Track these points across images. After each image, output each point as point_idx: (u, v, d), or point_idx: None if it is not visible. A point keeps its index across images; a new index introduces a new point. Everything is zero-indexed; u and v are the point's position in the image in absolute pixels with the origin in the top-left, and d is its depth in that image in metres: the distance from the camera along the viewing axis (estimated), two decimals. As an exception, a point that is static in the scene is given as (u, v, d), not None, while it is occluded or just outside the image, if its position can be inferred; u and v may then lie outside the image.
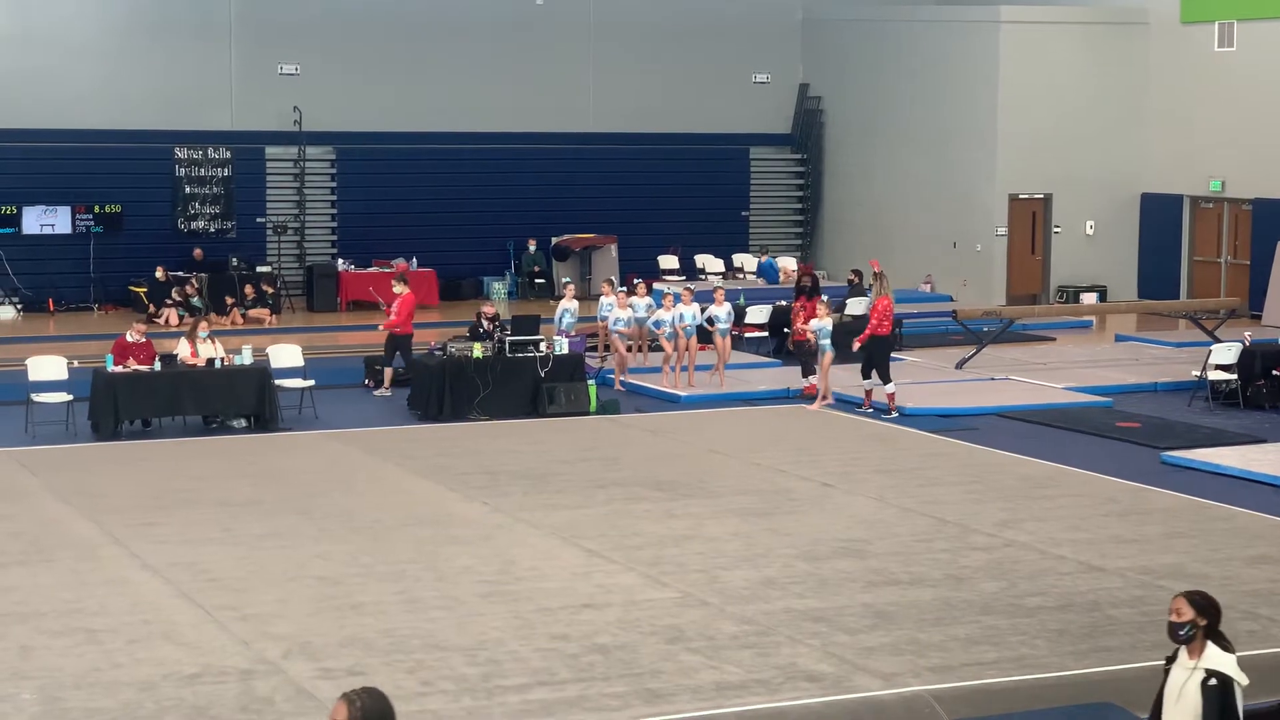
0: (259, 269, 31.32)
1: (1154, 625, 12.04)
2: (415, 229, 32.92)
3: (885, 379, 21.27)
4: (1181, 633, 7.76)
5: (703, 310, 23.04)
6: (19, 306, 30.34)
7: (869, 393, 21.60)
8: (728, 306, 22.94)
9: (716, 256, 34.63)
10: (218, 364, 20.31)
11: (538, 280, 33.29)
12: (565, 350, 21.74)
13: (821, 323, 21.33)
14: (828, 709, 10.36)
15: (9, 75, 30.76)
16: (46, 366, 20.81)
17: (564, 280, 27.84)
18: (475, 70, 33.84)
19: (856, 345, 21.62)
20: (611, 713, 10.21)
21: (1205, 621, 7.81)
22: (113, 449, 19.00)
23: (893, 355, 23.45)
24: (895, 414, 21.10)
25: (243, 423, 20.31)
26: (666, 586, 12.97)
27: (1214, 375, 22.25)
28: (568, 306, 23.65)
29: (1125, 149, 32.93)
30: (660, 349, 23.23)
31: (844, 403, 21.84)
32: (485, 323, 22.30)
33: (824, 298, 22.39)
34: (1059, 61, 32.48)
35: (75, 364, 21.17)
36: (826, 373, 21.44)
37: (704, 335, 23.38)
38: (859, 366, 21.68)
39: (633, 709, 10.26)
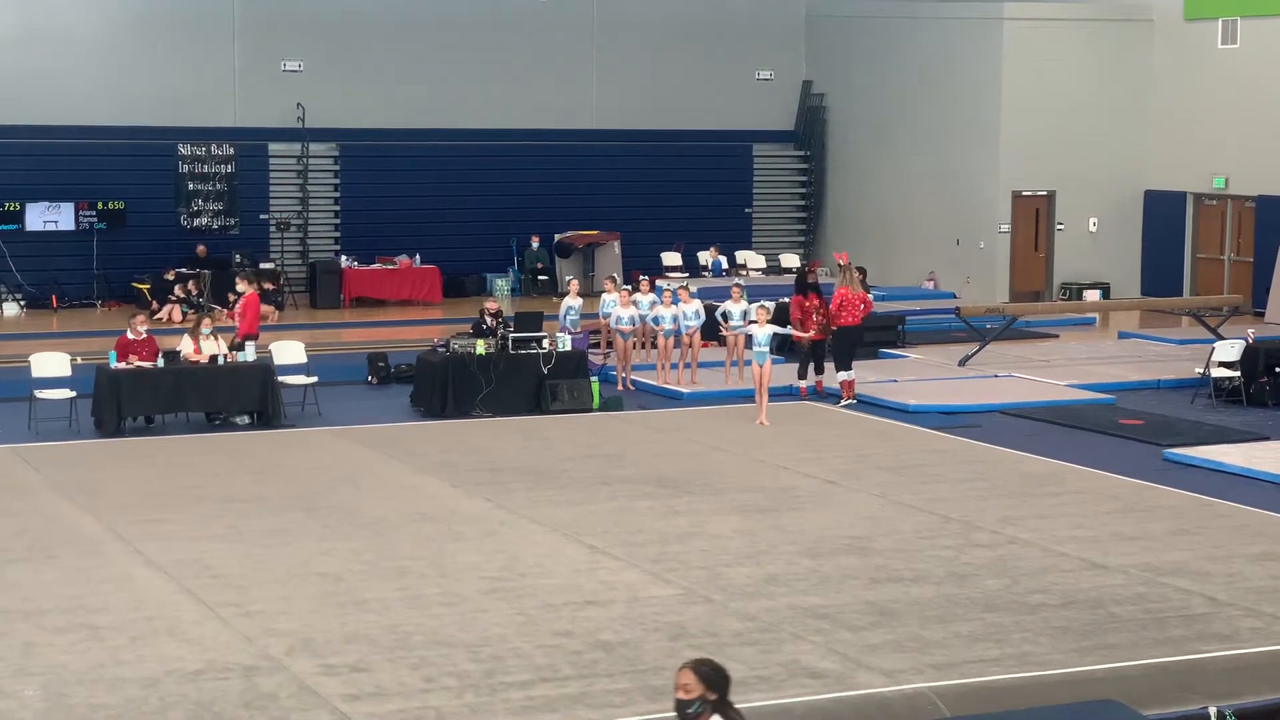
0: (262, 265, 31.34)
1: (1157, 623, 12.06)
2: (418, 226, 32.96)
3: (840, 367, 21.73)
4: (690, 711, 6.88)
5: (713, 308, 23.06)
6: (22, 303, 30.38)
7: (847, 384, 21.80)
8: (744, 304, 22.78)
9: (720, 253, 34.59)
10: (221, 360, 20.33)
11: (540, 277, 33.31)
12: (568, 347, 21.76)
13: (762, 330, 20.39)
14: (831, 706, 10.36)
15: (13, 72, 30.78)
16: (50, 363, 20.84)
17: (567, 277, 27.83)
18: (479, 67, 33.85)
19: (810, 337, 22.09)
20: (614, 709, 10.21)
21: (715, 695, 7.00)
22: (116, 446, 19.01)
23: (893, 351, 23.58)
24: (846, 402, 21.51)
25: (246, 419, 20.32)
26: (669, 583, 12.98)
27: (1217, 372, 22.25)
28: (572, 304, 23.64)
29: (1128, 146, 32.92)
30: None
31: (830, 394, 21.94)
32: (488, 319, 22.30)
33: (764, 304, 21.63)
34: (1062, 58, 32.46)
35: (78, 360, 21.18)
36: (762, 386, 20.28)
37: (715, 331, 23.51)
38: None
39: (635, 705, 10.27)
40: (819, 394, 22.22)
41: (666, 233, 34.48)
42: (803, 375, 22.25)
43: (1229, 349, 22.39)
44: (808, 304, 22.26)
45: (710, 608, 12.32)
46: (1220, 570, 13.47)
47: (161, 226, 31.57)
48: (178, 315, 28.92)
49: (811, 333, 22.10)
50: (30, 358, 21.07)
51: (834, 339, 22.02)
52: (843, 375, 21.80)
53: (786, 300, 23.69)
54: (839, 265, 23.10)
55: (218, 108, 32.19)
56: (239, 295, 22.66)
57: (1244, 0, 30.98)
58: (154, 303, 29.23)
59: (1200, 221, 32.53)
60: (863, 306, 22.29)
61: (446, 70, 33.66)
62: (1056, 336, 28.51)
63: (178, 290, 29.74)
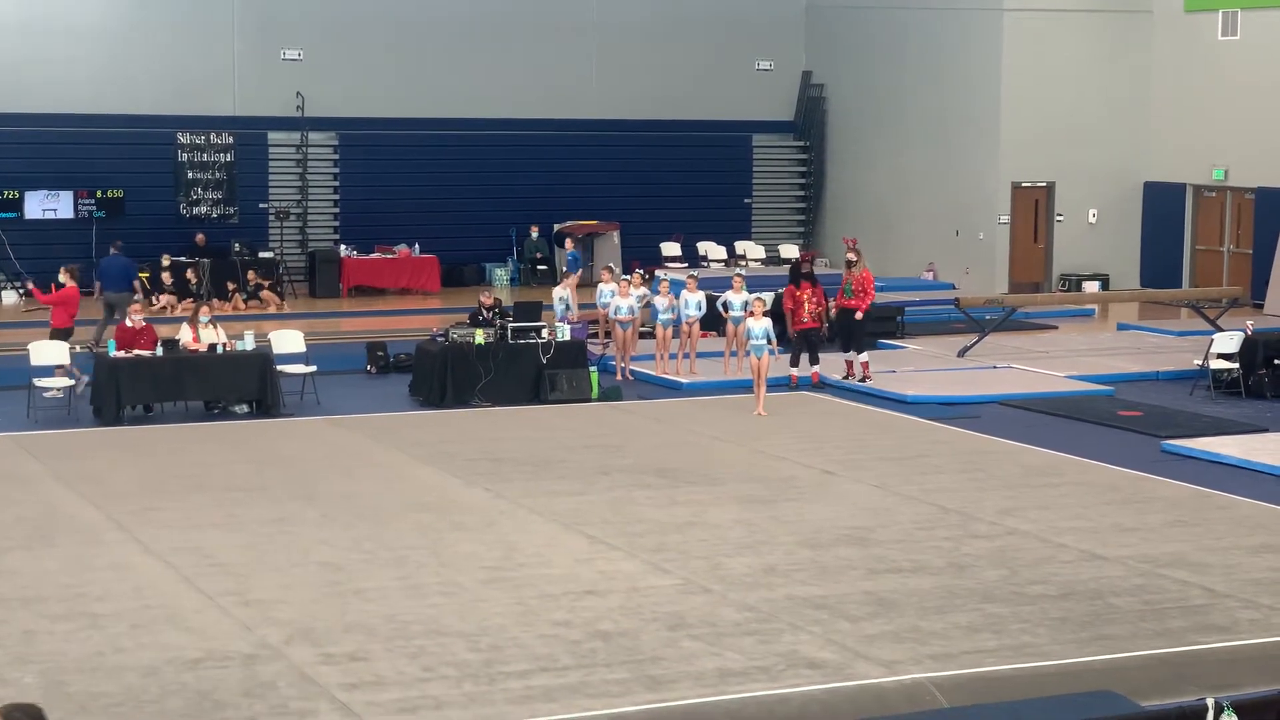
0: (261, 254, 31.34)
1: (1155, 614, 12.08)
2: (417, 215, 32.95)
3: (861, 349, 22.17)
4: None
5: (714, 299, 23.11)
6: (21, 291, 30.36)
7: (849, 363, 22.20)
8: (745, 295, 22.75)
9: (719, 244, 34.62)
10: (220, 349, 20.33)
11: (540, 267, 33.30)
12: (567, 337, 21.75)
13: (759, 323, 20.35)
14: (829, 696, 10.37)
15: (12, 60, 30.76)
16: (49, 351, 20.84)
17: (563, 268, 27.78)
18: (478, 56, 33.83)
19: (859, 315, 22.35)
20: (613, 699, 10.23)
21: None
22: (115, 434, 19.01)
23: (892, 341, 23.58)
24: (868, 380, 22.00)
25: (245, 408, 20.32)
26: (668, 573, 12.98)
27: (1216, 364, 22.24)
28: (562, 294, 23.61)
29: (1128, 137, 32.91)
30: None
31: (829, 385, 21.96)
32: (484, 312, 22.23)
33: (761, 297, 21.40)
34: (1062, 50, 32.44)
35: (78, 349, 21.19)
36: (760, 378, 20.19)
37: (717, 322, 23.55)
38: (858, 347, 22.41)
39: (634, 695, 10.28)
40: (815, 385, 22.23)
41: (666, 223, 34.49)
42: (795, 364, 22.26)
43: (1228, 341, 22.38)
44: (799, 294, 22.30)
45: (709, 598, 12.32)
46: (1219, 562, 13.48)
47: (160, 215, 31.56)
48: (172, 302, 28.92)
49: (807, 320, 22.17)
50: (29, 346, 21.07)
51: (852, 321, 22.25)
52: (864, 356, 22.26)
53: (782, 291, 23.71)
54: (854, 249, 23.26)
55: (217, 96, 32.17)
56: (60, 285, 22.23)
57: (1244, -8, 30.99)
58: (155, 295, 29.18)
59: (1200, 213, 32.52)
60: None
61: (446, 60, 33.63)
62: (1055, 328, 28.51)
63: (165, 278, 29.70)
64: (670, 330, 22.88)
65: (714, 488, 16.03)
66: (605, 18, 34.86)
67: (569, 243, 31.01)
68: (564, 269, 29.32)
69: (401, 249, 32.26)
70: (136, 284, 25.19)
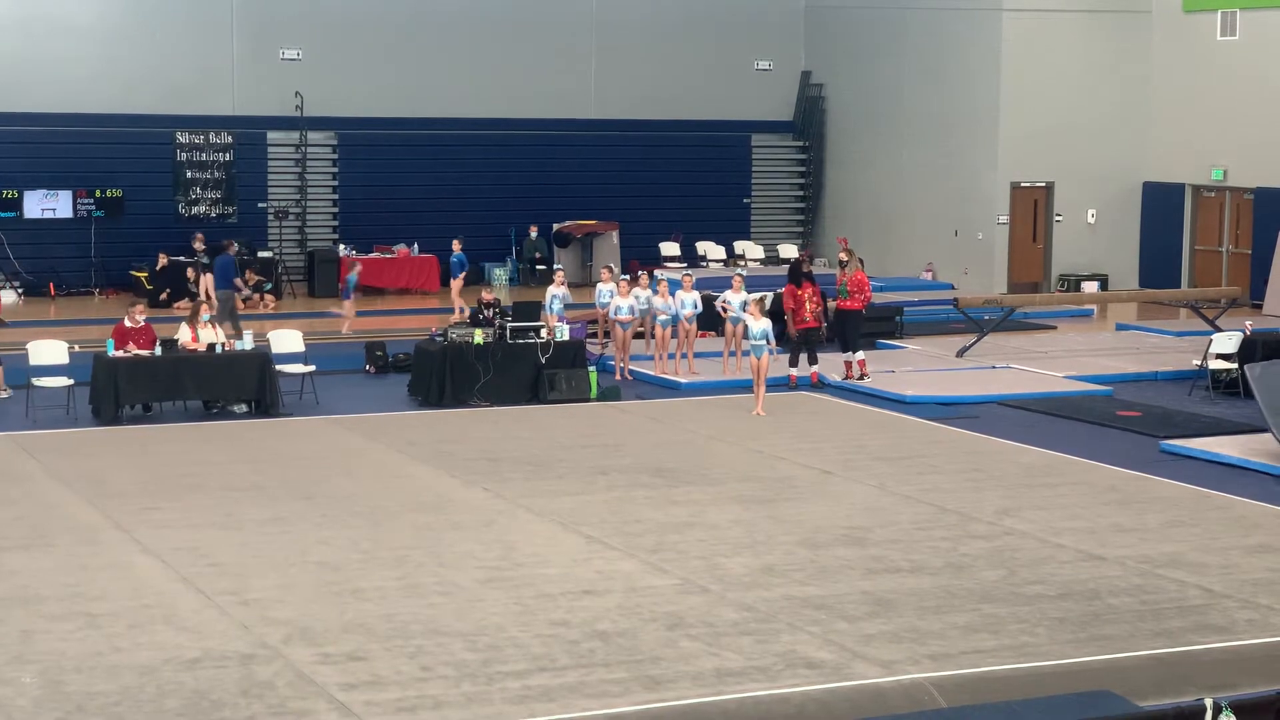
0: (260, 254, 31.34)
1: (1153, 614, 12.08)
2: (416, 214, 32.94)
3: (855, 348, 22.29)
4: None
5: (712, 298, 23.10)
6: (20, 290, 30.36)
7: (849, 364, 22.28)
8: (744, 295, 22.72)
9: (718, 244, 34.63)
10: (218, 349, 20.33)
11: (539, 267, 33.30)
12: (566, 337, 21.75)
13: (758, 323, 20.30)
14: (827, 696, 10.38)
15: (11, 59, 30.76)
16: (47, 351, 20.85)
17: (555, 266, 27.73)
18: (478, 56, 33.83)
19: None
20: (611, 699, 10.23)
21: None
22: (113, 434, 19.00)
23: (891, 341, 23.53)
24: (866, 378, 22.08)
25: (244, 408, 20.32)
26: (667, 573, 12.99)
27: (1214, 364, 22.25)
28: (556, 293, 23.61)
29: (1127, 137, 32.91)
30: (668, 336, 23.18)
31: (828, 386, 21.98)
32: (484, 311, 22.23)
33: (760, 296, 21.41)
34: (1062, 50, 32.45)
35: (76, 348, 21.21)
36: (760, 377, 20.17)
37: (715, 321, 23.53)
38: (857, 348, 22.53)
39: (632, 695, 10.29)
40: (814, 385, 22.24)
41: (665, 223, 34.50)
42: (794, 364, 22.28)
43: (1226, 341, 22.39)
44: (800, 293, 22.33)
45: (707, 598, 12.33)
46: (1217, 562, 13.49)
47: (159, 214, 31.56)
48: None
49: (809, 319, 22.20)
50: (28, 345, 21.08)
51: (849, 321, 22.34)
52: (860, 355, 22.36)
53: (781, 291, 23.72)
54: (846, 250, 23.26)
55: (216, 96, 32.17)
56: None
57: (1243, -8, 31.01)
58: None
59: (1199, 213, 32.53)
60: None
61: (445, 59, 33.63)
62: (1054, 328, 28.53)
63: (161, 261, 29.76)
64: (669, 330, 22.89)
65: (712, 488, 16.04)
66: (605, 18, 34.86)
67: (456, 244, 29.72)
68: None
69: (401, 249, 32.27)
70: (239, 282, 25.10)
